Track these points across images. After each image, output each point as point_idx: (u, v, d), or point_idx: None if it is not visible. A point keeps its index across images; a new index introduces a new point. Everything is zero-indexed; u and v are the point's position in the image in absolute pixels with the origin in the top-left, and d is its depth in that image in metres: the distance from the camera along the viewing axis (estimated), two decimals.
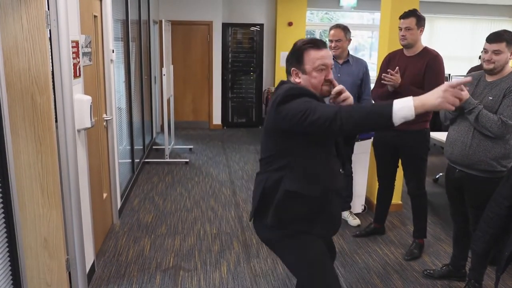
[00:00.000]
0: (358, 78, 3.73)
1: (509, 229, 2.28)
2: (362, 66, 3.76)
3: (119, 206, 4.10)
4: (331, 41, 3.68)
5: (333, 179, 1.98)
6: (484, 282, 2.94)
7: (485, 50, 2.62)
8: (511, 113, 2.51)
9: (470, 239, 2.80)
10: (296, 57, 1.92)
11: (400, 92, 3.24)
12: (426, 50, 3.28)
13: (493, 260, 2.77)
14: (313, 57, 1.88)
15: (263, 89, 8.81)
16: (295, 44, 1.96)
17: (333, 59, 3.71)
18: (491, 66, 2.60)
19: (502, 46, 2.55)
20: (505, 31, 2.59)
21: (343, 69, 3.71)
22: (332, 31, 3.70)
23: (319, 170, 1.94)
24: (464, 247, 3.04)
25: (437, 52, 3.26)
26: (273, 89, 8.73)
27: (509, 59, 2.59)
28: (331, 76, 1.92)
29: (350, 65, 3.73)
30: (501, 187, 2.36)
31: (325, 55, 1.90)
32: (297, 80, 1.93)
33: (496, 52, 2.56)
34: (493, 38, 2.58)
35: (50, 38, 2.36)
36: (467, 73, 4.10)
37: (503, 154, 2.62)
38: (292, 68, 1.93)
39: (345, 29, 3.68)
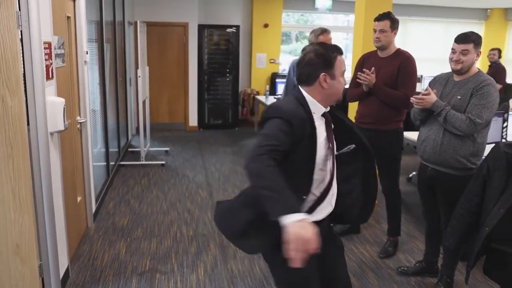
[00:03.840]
0: None
1: (479, 225, 2.35)
2: None
3: (93, 210, 4.04)
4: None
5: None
6: (456, 277, 3.02)
7: (453, 51, 2.70)
8: (479, 112, 2.60)
9: (442, 235, 2.87)
10: (326, 62, 1.87)
11: (374, 92, 3.30)
12: (399, 51, 3.34)
13: (464, 256, 2.85)
14: (340, 62, 1.90)
15: (239, 91, 8.81)
16: (320, 49, 1.91)
17: None
18: (458, 66, 2.69)
19: (469, 46, 2.63)
20: (472, 33, 2.67)
21: None
22: (322, 37, 3.76)
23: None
24: (436, 243, 3.11)
25: (409, 54, 3.33)
26: (249, 91, 8.78)
27: (475, 60, 2.68)
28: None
29: None
30: (471, 184, 2.42)
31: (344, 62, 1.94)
32: (324, 85, 1.87)
33: (464, 53, 2.65)
34: (461, 38, 2.66)
35: (21, 39, 2.31)
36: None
37: (472, 152, 2.70)
38: (322, 73, 1.86)
39: (329, 33, 3.77)
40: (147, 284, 3.04)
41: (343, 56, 1.94)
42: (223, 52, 8.53)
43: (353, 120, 3.61)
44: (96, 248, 3.55)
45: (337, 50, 1.92)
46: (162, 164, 6.01)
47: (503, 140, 4.06)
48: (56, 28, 2.89)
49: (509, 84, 8.18)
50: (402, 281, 3.17)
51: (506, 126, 4.11)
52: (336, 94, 1.92)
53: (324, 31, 3.78)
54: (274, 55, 8.86)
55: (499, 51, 7.44)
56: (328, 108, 1.95)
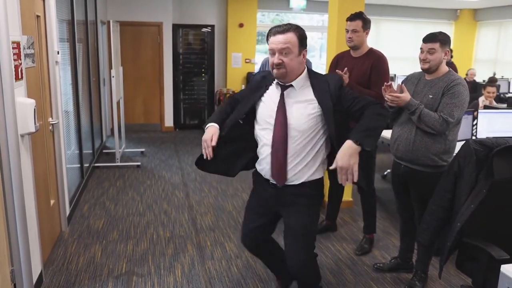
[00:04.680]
0: None
1: (451, 221, 2.40)
2: (309, 64, 3.81)
3: (67, 213, 3.96)
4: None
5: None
6: (430, 272, 3.08)
7: (421, 50, 2.77)
8: (450, 111, 2.66)
9: (416, 232, 2.92)
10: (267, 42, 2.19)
11: None
12: (371, 51, 3.39)
13: (438, 251, 2.91)
14: (270, 42, 2.16)
15: (215, 90, 8.79)
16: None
17: None
18: (426, 65, 2.75)
19: (436, 45, 2.70)
20: (440, 33, 2.74)
21: None
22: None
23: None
24: (410, 240, 3.17)
25: (381, 53, 3.38)
26: (225, 90, 8.76)
27: (444, 59, 2.74)
28: (276, 60, 2.13)
29: None
30: (443, 181, 2.48)
31: (274, 41, 2.13)
32: None
33: (431, 52, 2.71)
34: (428, 38, 2.73)
35: None
36: None
37: (443, 150, 2.76)
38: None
39: None
40: (124, 287, 3.00)
41: (275, 36, 2.14)
42: (198, 52, 8.49)
43: None
44: (71, 251, 3.49)
45: (270, 31, 2.18)
46: (138, 165, 5.94)
47: (473, 138, 4.17)
48: (25, 27, 2.82)
49: (477, 83, 8.42)
50: (378, 277, 3.22)
51: (476, 124, 4.22)
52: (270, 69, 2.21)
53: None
54: (249, 55, 8.86)
55: (451, 50, 7.66)
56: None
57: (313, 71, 2.31)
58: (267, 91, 2.29)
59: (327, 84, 2.20)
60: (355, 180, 1.99)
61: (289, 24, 2.16)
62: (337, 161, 1.98)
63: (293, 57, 2.13)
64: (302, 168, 2.24)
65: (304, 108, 2.19)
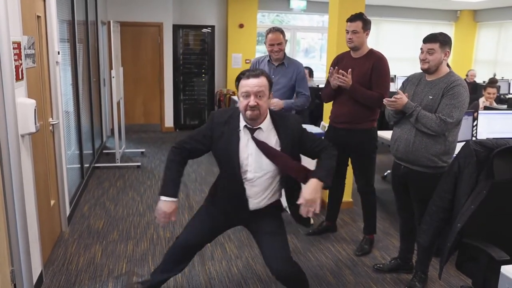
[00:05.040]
0: (292, 80, 3.75)
1: (451, 221, 2.40)
2: (296, 67, 3.79)
3: (68, 213, 3.96)
4: (272, 45, 3.67)
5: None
6: (430, 272, 3.08)
7: (421, 50, 2.77)
8: (449, 112, 2.66)
9: (416, 232, 2.92)
10: (236, 84, 2.35)
11: (350, 92, 3.34)
12: (371, 52, 3.39)
13: (438, 252, 2.91)
14: (241, 85, 2.29)
15: (215, 91, 8.79)
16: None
17: (269, 61, 3.78)
18: (425, 65, 2.76)
19: (435, 46, 2.70)
20: (440, 33, 2.74)
21: (277, 71, 3.75)
22: (272, 35, 3.67)
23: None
24: (410, 240, 3.17)
25: (382, 54, 3.38)
26: (225, 91, 8.77)
27: (443, 60, 2.74)
28: (252, 103, 2.24)
29: (285, 67, 3.76)
30: (443, 181, 2.48)
31: (249, 84, 2.25)
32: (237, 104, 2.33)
33: (430, 52, 2.71)
34: (428, 38, 2.74)
35: None
36: None
37: (443, 151, 2.77)
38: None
39: (282, 32, 3.72)
40: None
41: (249, 80, 2.27)
42: (198, 52, 8.50)
43: (328, 120, 3.66)
44: (71, 252, 3.49)
45: (243, 74, 2.30)
46: (138, 166, 5.94)
47: (473, 138, 4.18)
48: (26, 27, 2.82)
49: (477, 84, 8.42)
50: (378, 278, 3.22)
51: (476, 125, 4.23)
52: (241, 110, 2.32)
53: (269, 31, 3.73)
54: (249, 56, 8.86)
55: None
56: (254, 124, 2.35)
57: (274, 112, 2.45)
58: (240, 139, 2.38)
59: (290, 129, 2.37)
60: (317, 211, 2.21)
61: (259, 69, 2.39)
62: (304, 196, 2.19)
63: (266, 100, 2.29)
64: (271, 197, 2.48)
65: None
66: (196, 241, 2.59)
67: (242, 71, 2.33)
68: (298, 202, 2.24)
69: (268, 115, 2.38)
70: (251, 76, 2.26)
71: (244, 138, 2.36)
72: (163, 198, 2.37)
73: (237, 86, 2.33)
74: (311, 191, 2.19)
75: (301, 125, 2.44)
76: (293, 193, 2.39)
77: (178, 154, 2.50)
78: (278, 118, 2.40)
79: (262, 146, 2.33)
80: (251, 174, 2.38)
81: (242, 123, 2.37)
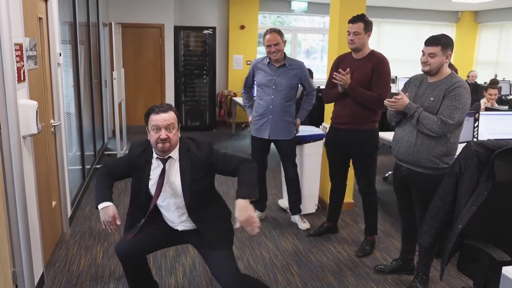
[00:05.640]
0: (294, 80, 3.77)
1: (452, 222, 2.40)
2: (299, 69, 3.80)
3: (69, 214, 3.97)
4: (269, 46, 3.67)
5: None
6: (431, 274, 3.08)
7: (422, 53, 2.77)
8: (451, 113, 2.66)
9: (417, 233, 2.92)
10: (145, 119, 2.42)
11: (348, 93, 3.35)
12: (372, 53, 3.39)
13: (439, 253, 2.91)
14: (151, 120, 2.36)
15: (217, 92, 8.80)
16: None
17: (269, 62, 3.79)
18: (427, 68, 2.76)
19: (437, 49, 2.69)
20: (442, 36, 2.72)
21: (278, 72, 3.76)
22: (269, 36, 3.68)
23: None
24: (411, 241, 3.17)
25: (383, 55, 3.39)
26: (226, 92, 8.78)
27: (445, 62, 2.74)
28: (163, 136, 2.32)
29: (286, 68, 3.76)
30: (444, 183, 2.48)
31: (159, 118, 2.33)
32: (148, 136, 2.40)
33: (431, 55, 2.71)
34: (430, 41, 2.73)
35: None
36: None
37: (445, 152, 2.77)
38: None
39: (280, 32, 3.72)
40: None
41: (158, 115, 2.34)
42: (199, 54, 8.51)
43: (329, 121, 3.66)
44: (72, 253, 3.49)
45: (152, 110, 2.38)
46: None
47: (474, 139, 4.17)
48: (28, 29, 2.83)
49: (479, 85, 8.41)
50: (379, 279, 3.22)
51: (477, 126, 4.22)
52: (152, 144, 2.39)
53: (267, 33, 3.73)
54: (250, 57, 8.88)
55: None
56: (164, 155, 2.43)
57: (185, 140, 2.51)
58: (152, 170, 2.50)
59: (198, 157, 2.44)
60: (258, 225, 2.19)
61: (168, 104, 2.46)
62: (239, 219, 2.19)
63: (175, 132, 2.39)
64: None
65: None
66: (139, 250, 2.71)
67: (150, 107, 2.42)
68: (236, 227, 2.26)
69: (179, 145, 2.47)
70: (160, 111, 2.35)
71: (157, 169, 2.47)
72: (100, 206, 2.45)
73: (146, 121, 2.41)
74: (242, 212, 2.19)
75: (210, 149, 2.48)
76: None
77: (105, 174, 2.66)
78: (188, 145, 2.48)
79: (161, 180, 2.45)
80: (162, 201, 2.54)
81: (155, 155, 2.48)
